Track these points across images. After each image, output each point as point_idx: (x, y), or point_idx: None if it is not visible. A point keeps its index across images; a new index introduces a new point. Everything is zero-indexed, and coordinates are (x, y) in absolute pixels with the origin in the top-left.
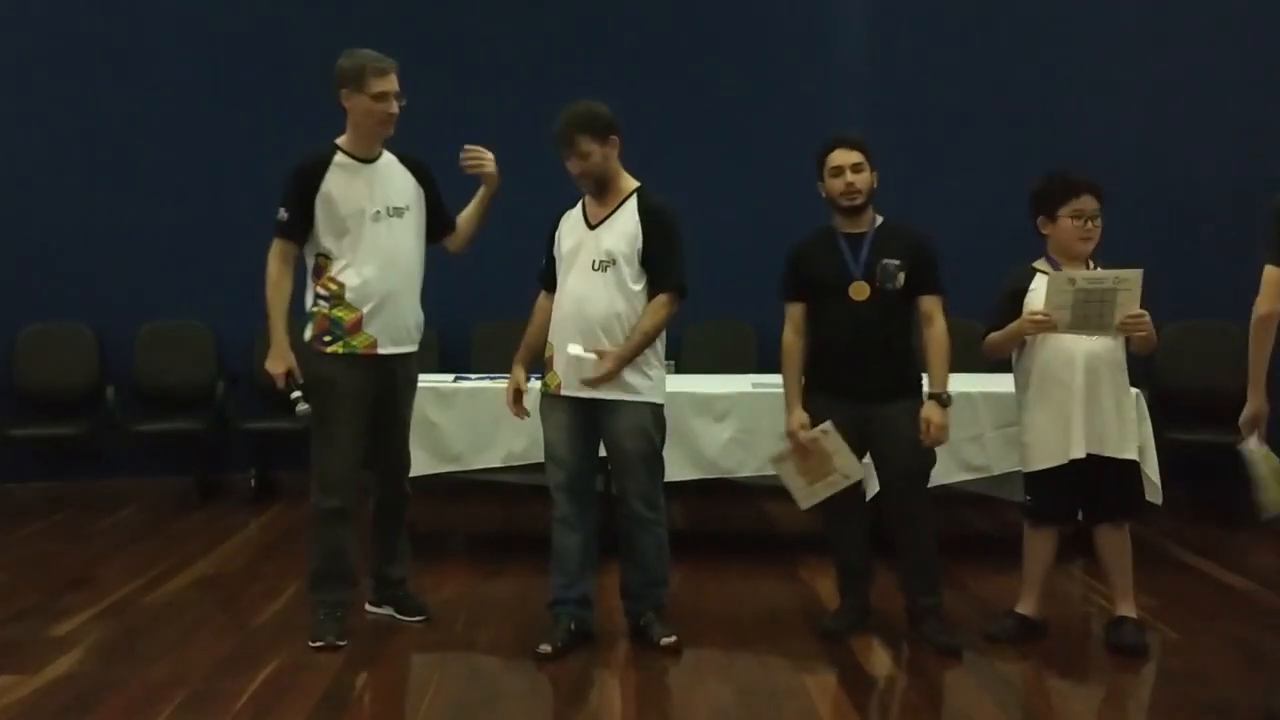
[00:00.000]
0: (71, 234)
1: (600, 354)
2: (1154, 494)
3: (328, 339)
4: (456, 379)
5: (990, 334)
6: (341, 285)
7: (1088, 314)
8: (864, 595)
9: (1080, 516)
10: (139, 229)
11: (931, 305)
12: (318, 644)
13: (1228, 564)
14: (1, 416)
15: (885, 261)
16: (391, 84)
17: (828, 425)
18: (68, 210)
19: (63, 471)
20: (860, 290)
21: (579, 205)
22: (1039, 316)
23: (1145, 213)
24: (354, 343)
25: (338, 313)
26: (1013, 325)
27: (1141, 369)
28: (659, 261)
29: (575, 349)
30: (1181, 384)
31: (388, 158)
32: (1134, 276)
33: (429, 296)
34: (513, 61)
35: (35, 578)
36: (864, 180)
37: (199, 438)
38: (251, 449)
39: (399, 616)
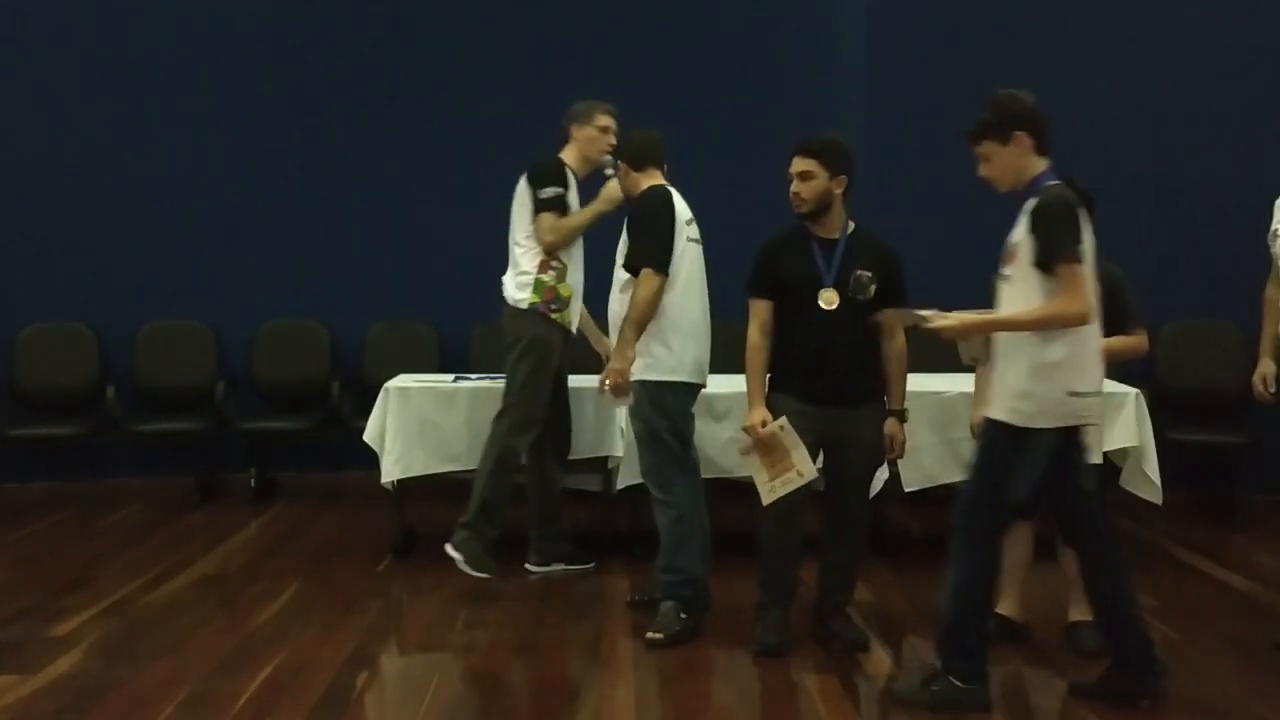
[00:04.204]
0: (71, 234)
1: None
2: (1154, 494)
3: (554, 307)
4: (456, 379)
5: None
6: (564, 266)
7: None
8: (788, 608)
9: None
10: (139, 229)
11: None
12: (481, 574)
13: (1228, 564)
14: (1, 416)
15: (859, 273)
16: (613, 121)
17: (783, 421)
18: (68, 210)
19: (63, 471)
20: (830, 298)
21: None
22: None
23: (1145, 213)
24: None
25: (563, 288)
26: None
27: (1142, 369)
28: (629, 246)
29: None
30: (1181, 384)
31: None
32: None
33: (428, 297)
34: (511, 62)
35: (35, 578)
36: (810, 189)
37: (199, 438)
38: (251, 449)
39: (570, 567)
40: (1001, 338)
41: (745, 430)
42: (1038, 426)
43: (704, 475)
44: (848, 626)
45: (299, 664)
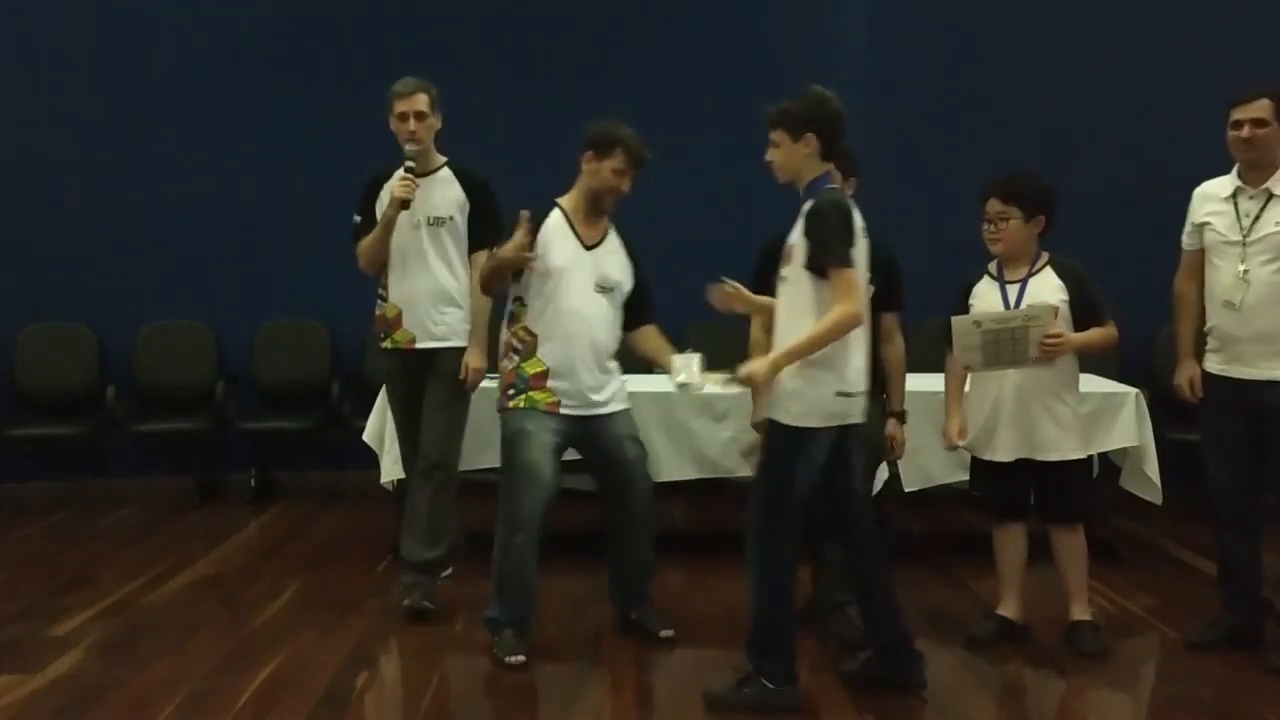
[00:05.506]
0: (71, 234)
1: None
2: (1154, 494)
3: (381, 336)
4: None
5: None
6: (387, 285)
7: (999, 352)
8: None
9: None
10: (139, 229)
11: (892, 322)
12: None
13: None
14: (1, 416)
15: None
16: (410, 105)
17: None
18: (68, 210)
19: (63, 471)
20: None
21: (557, 218)
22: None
23: (1142, 212)
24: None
25: (388, 309)
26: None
27: (1142, 369)
28: (650, 297)
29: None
30: None
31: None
32: (1044, 312)
33: None
34: (511, 63)
35: (35, 578)
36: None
37: (199, 438)
38: (251, 449)
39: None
40: (775, 338)
41: (754, 427)
42: (809, 425)
43: (704, 475)
44: (847, 626)
45: (299, 664)
